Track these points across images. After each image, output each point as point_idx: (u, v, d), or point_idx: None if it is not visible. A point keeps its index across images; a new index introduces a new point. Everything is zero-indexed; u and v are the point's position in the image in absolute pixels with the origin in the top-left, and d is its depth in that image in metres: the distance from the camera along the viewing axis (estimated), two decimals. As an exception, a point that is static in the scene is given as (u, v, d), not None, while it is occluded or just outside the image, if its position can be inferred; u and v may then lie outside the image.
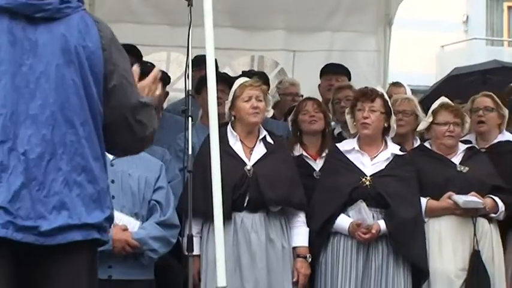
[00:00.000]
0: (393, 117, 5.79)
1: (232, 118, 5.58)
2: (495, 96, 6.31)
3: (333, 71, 7.21)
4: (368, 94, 5.69)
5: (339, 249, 5.48)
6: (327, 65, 7.34)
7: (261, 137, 5.51)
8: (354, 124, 5.74)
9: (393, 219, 5.45)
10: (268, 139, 5.54)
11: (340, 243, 5.48)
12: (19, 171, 3.12)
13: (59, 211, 3.16)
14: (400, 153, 5.68)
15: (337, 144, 5.76)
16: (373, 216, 5.44)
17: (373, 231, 5.38)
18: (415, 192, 5.61)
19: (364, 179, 5.53)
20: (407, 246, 5.49)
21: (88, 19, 3.33)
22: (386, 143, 5.70)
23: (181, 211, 5.20)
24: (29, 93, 3.19)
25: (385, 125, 5.65)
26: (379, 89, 5.91)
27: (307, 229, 5.45)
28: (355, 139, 5.72)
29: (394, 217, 5.46)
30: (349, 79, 7.14)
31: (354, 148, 5.65)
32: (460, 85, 8.72)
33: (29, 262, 3.20)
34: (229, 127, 5.50)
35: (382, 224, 5.42)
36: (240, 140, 5.47)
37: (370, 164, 5.63)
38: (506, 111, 6.33)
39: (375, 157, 5.64)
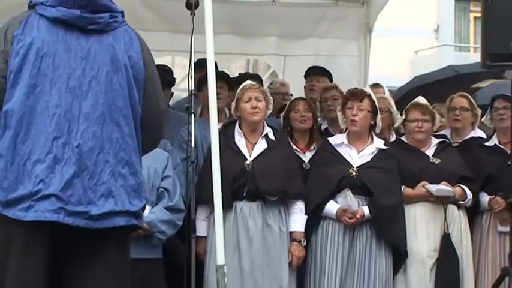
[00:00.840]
0: (379, 116, 5.81)
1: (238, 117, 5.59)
2: (470, 98, 6.37)
3: (315, 73, 7.21)
4: (357, 94, 5.73)
5: (328, 232, 5.50)
6: (309, 67, 7.34)
7: (263, 134, 5.52)
8: (344, 120, 5.75)
9: (376, 206, 5.48)
10: (271, 136, 5.55)
11: (329, 227, 5.50)
12: (72, 162, 3.16)
13: (106, 198, 3.21)
14: (384, 147, 5.71)
15: (329, 139, 5.79)
16: (358, 203, 5.47)
17: (358, 216, 5.40)
18: (396, 183, 5.64)
19: (351, 170, 5.55)
20: (389, 231, 5.53)
21: (131, 33, 3.40)
22: (372, 138, 5.73)
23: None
24: (81, 95, 3.22)
25: (372, 122, 5.68)
26: (367, 89, 5.94)
27: (305, 216, 5.47)
28: (345, 134, 5.74)
29: (377, 204, 5.48)
30: (331, 80, 7.15)
31: (343, 142, 5.68)
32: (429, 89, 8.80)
33: (69, 244, 3.22)
34: (236, 125, 5.54)
35: (366, 210, 5.45)
36: (245, 136, 5.50)
37: (357, 156, 5.64)
38: (479, 111, 6.37)
39: (362, 151, 5.66)
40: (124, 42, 3.33)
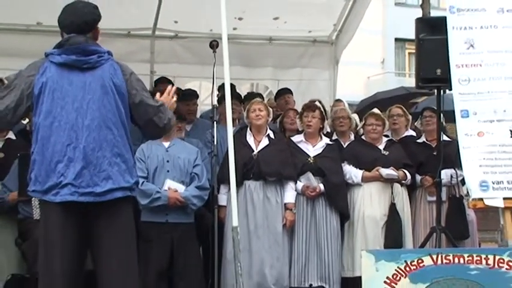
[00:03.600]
0: (326, 121, 5.82)
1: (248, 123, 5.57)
2: (403, 107, 6.36)
3: (282, 93, 7.12)
4: (311, 107, 5.72)
5: (297, 202, 5.44)
6: (279, 90, 7.28)
7: (266, 134, 5.48)
8: (301, 125, 5.75)
9: (328, 184, 5.44)
10: (272, 135, 5.51)
11: (297, 198, 5.43)
12: (80, 159, 3.28)
13: (107, 180, 3.32)
14: (330, 143, 5.70)
15: (291, 138, 5.74)
16: (317, 182, 5.44)
17: (317, 190, 5.39)
18: (339, 166, 5.58)
19: (309, 159, 5.52)
20: (336, 200, 5.48)
21: (115, 64, 3.44)
22: (321, 137, 5.69)
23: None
24: (83, 112, 3.32)
25: (321, 126, 5.69)
26: (317, 103, 5.89)
27: (295, 192, 5.39)
28: (302, 134, 5.71)
29: (329, 182, 5.44)
30: (292, 94, 7.09)
31: (302, 140, 5.66)
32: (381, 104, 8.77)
33: (89, 215, 3.35)
34: (248, 128, 5.52)
35: (321, 187, 5.42)
36: (253, 135, 5.46)
37: (313, 149, 5.59)
38: (410, 117, 6.37)
39: (315, 145, 5.62)
40: (109, 72, 3.39)
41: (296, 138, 5.71)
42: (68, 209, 3.28)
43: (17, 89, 3.34)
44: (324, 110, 5.91)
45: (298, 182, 5.45)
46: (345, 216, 5.54)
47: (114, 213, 3.37)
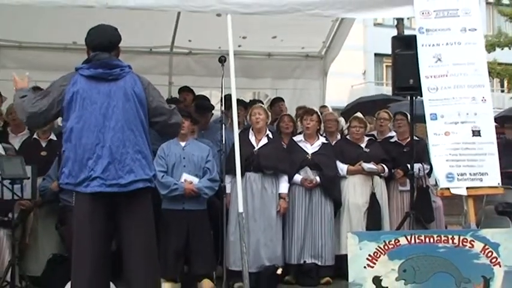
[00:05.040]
0: (322, 124, 5.82)
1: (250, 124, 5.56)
2: (389, 113, 6.30)
3: (276, 101, 7.09)
4: (309, 111, 5.72)
5: (295, 192, 5.43)
6: (273, 99, 7.25)
7: (265, 134, 5.44)
8: (301, 127, 5.76)
9: (324, 176, 5.43)
10: (270, 136, 5.47)
11: (296, 189, 5.43)
12: (107, 156, 3.29)
13: (130, 173, 3.33)
14: (326, 142, 5.68)
15: (293, 138, 5.72)
16: (314, 175, 5.42)
17: (314, 182, 5.37)
18: (333, 162, 5.56)
19: (307, 156, 5.50)
20: (331, 191, 5.47)
21: (135, 76, 3.47)
22: (318, 137, 5.67)
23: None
24: (108, 116, 3.34)
25: (318, 127, 5.69)
26: (315, 109, 5.90)
27: (288, 184, 5.35)
28: (302, 135, 5.70)
29: (324, 175, 5.43)
30: (284, 102, 7.06)
31: (301, 139, 5.64)
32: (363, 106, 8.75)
33: (115, 204, 3.35)
34: (250, 129, 5.48)
35: (318, 179, 5.40)
36: (254, 135, 5.42)
37: (311, 147, 5.56)
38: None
39: (313, 144, 5.59)
40: (131, 83, 3.41)
41: (297, 138, 5.68)
42: (97, 199, 3.28)
43: (49, 96, 3.37)
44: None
45: (297, 175, 5.41)
46: (338, 204, 5.52)
47: (135, 202, 3.37)
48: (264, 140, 5.42)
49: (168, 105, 3.63)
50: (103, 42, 3.44)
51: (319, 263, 5.34)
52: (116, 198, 3.32)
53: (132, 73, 3.46)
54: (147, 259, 3.37)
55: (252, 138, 5.42)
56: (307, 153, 5.53)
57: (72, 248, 3.37)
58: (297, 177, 5.43)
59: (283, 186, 5.35)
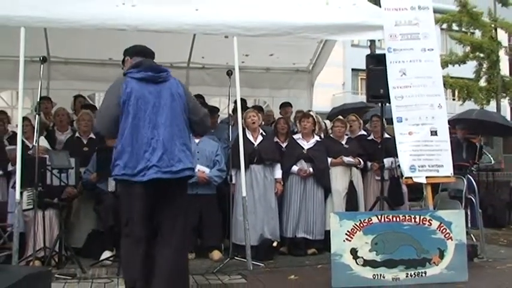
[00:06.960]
0: (317, 125, 5.69)
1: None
2: (356, 115, 6.30)
3: (284, 105, 7.00)
4: (306, 114, 5.67)
5: (292, 180, 5.35)
6: (282, 102, 7.11)
7: (260, 133, 5.38)
8: (299, 127, 5.69)
9: (316, 168, 5.38)
10: (263, 134, 5.42)
11: (293, 178, 5.36)
12: (160, 148, 3.12)
13: (179, 162, 3.16)
14: (319, 140, 5.61)
15: (293, 136, 5.67)
16: (308, 166, 5.39)
17: (308, 172, 5.33)
18: (325, 156, 5.51)
19: (304, 151, 5.45)
20: (322, 180, 5.41)
21: (177, 81, 3.34)
22: (314, 135, 5.60)
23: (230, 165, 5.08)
24: (159, 113, 3.18)
25: (313, 128, 5.61)
26: (312, 112, 5.83)
27: (281, 171, 5.28)
28: (300, 133, 5.63)
29: (317, 167, 5.39)
30: (291, 107, 6.96)
31: (299, 137, 5.58)
32: (346, 111, 8.66)
33: (163, 189, 3.15)
34: (247, 129, 5.36)
35: (311, 170, 5.34)
36: (251, 134, 5.34)
37: (307, 144, 5.50)
38: (361, 121, 6.35)
39: (309, 141, 5.53)
40: (175, 85, 3.29)
41: (296, 136, 5.60)
42: (149, 186, 3.10)
43: (109, 108, 3.18)
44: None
45: (294, 166, 5.34)
46: (327, 190, 5.47)
47: (179, 187, 3.22)
48: (260, 138, 5.34)
49: (203, 108, 3.51)
50: (146, 49, 3.35)
51: (310, 237, 5.29)
52: (164, 184, 3.12)
53: (174, 78, 3.33)
54: (182, 235, 3.21)
55: (250, 136, 5.32)
56: (304, 149, 5.46)
57: (122, 221, 3.16)
58: (294, 168, 5.35)
59: (278, 172, 5.30)
